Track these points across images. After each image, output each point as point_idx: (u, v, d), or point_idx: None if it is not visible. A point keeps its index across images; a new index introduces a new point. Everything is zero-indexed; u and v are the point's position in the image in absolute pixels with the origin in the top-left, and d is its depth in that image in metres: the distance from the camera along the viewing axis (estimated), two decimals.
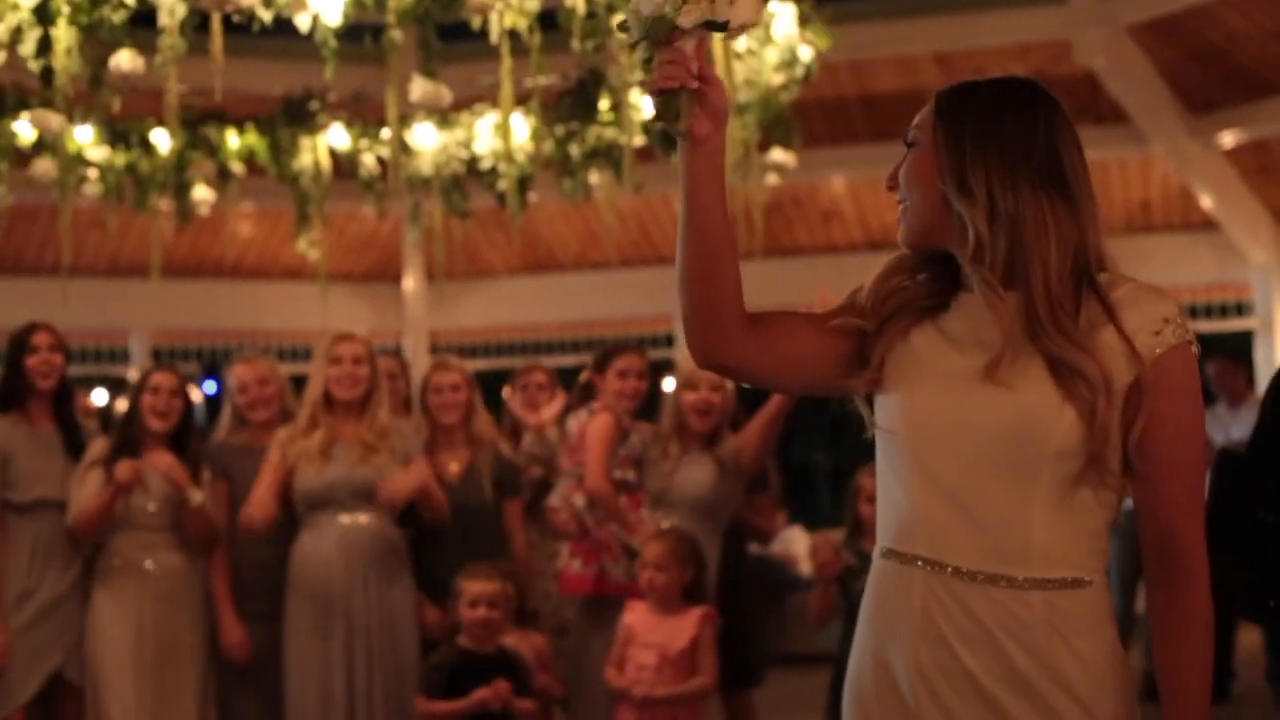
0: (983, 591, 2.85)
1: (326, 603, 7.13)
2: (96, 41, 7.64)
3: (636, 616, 6.75)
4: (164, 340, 16.51)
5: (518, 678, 6.64)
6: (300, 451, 7.21)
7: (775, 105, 9.55)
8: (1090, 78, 13.63)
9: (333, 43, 7.73)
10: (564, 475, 7.59)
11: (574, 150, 10.40)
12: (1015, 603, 2.85)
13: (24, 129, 9.64)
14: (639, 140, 9.74)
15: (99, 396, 14.03)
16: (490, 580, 6.74)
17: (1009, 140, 2.98)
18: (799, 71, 9.30)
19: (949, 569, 2.87)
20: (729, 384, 7.44)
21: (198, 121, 10.38)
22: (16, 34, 7.61)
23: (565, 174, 10.75)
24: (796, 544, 12.88)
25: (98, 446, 7.25)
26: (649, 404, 7.84)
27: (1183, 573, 2.93)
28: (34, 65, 7.70)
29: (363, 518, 7.22)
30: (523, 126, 9.97)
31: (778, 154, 10.45)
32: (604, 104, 10.12)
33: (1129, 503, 2.98)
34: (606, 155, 10.43)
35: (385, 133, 10.37)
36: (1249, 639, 10.43)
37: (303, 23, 7.73)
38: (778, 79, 9.26)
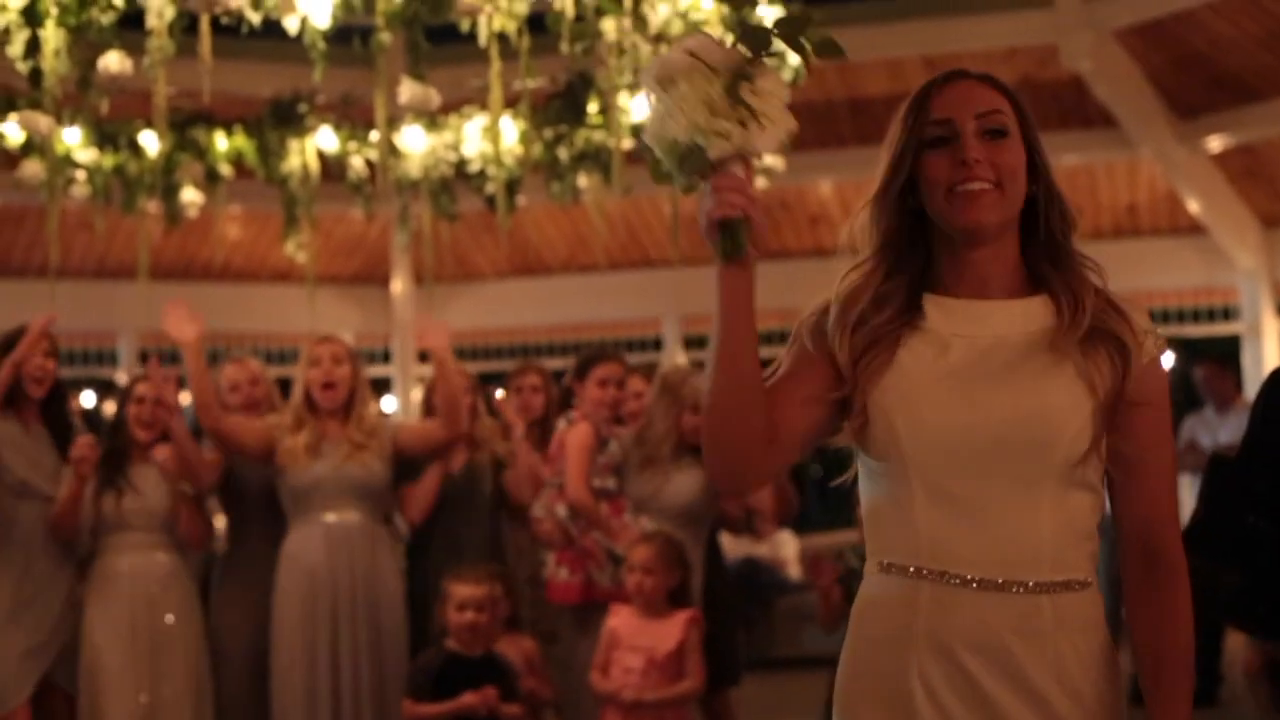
0: (994, 599, 2.85)
1: (313, 600, 7.15)
2: (85, 43, 7.64)
3: (621, 620, 6.75)
4: (151, 342, 16.43)
5: (505, 682, 6.64)
6: (288, 449, 7.22)
7: None
8: (1077, 82, 13.64)
9: (321, 45, 7.73)
10: (545, 484, 7.60)
11: (562, 153, 10.40)
12: (1026, 607, 2.85)
13: (12, 130, 9.62)
14: (627, 143, 9.74)
15: (86, 399, 14.02)
16: (479, 584, 6.74)
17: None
18: (787, 75, 9.29)
19: (958, 579, 2.86)
20: None
21: (186, 123, 10.37)
22: (4, 35, 7.60)
23: (554, 177, 10.75)
24: (786, 548, 12.89)
25: (79, 445, 7.24)
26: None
27: (1167, 571, 2.98)
28: (22, 66, 7.69)
29: (350, 515, 7.24)
30: (511, 129, 9.97)
31: (767, 157, 10.44)
32: (592, 107, 10.13)
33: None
34: (595, 158, 10.44)
35: (374, 135, 10.37)
36: (1236, 643, 10.45)
37: (291, 25, 7.72)
38: None
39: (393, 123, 9.54)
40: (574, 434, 7.46)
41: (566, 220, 16.00)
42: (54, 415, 7.39)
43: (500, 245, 15.70)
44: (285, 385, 8.02)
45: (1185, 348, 14.82)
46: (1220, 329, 15.50)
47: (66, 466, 7.14)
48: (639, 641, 6.65)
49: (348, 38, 8.50)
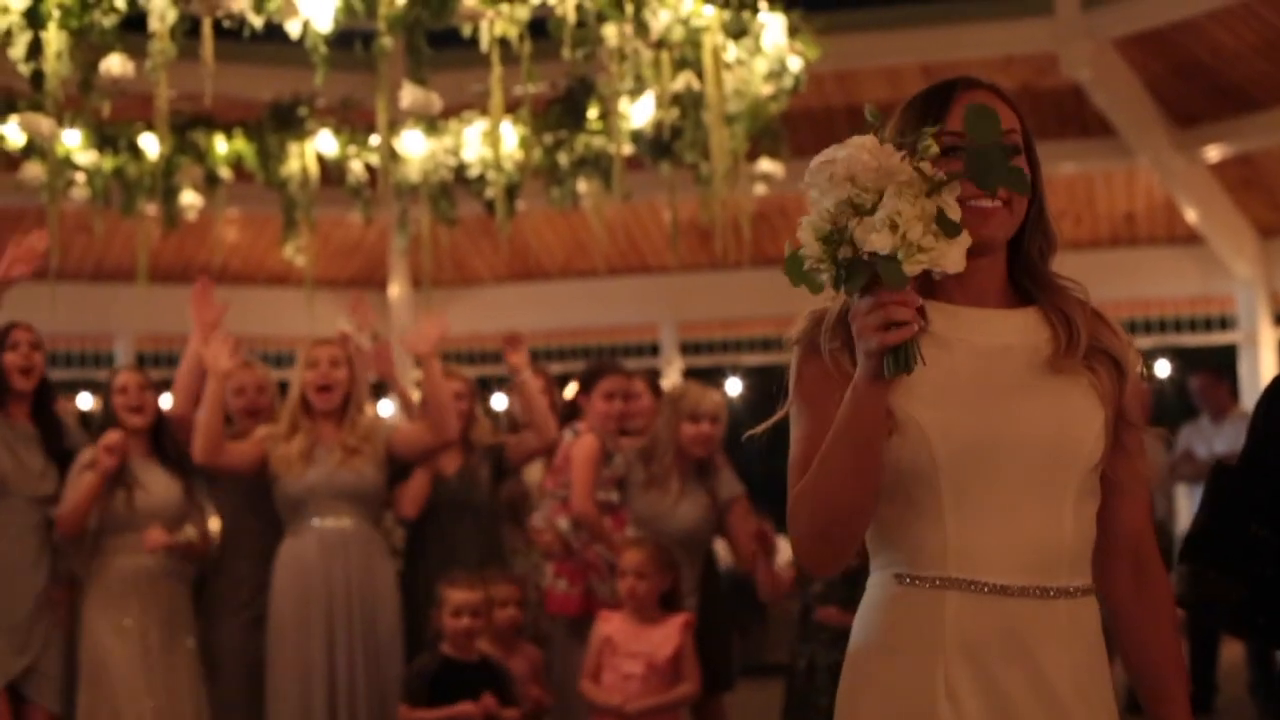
0: (1021, 605, 2.86)
1: (307, 606, 7.14)
2: (87, 45, 7.64)
3: (614, 627, 6.74)
4: (149, 345, 16.46)
5: (501, 688, 6.65)
6: (281, 457, 7.22)
7: (764, 115, 9.56)
8: (1076, 90, 13.67)
9: (323, 49, 7.73)
10: (548, 496, 7.61)
11: (562, 158, 10.41)
12: (1048, 612, 2.88)
13: (13, 133, 9.62)
14: (628, 149, 9.75)
15: (84, 400, 13.99)
16: (473, 589, 6.74)
17: None
18: (788, 82, 9.31)
19: (986, 587, 2.86)
20: (724, 414, 7.44)
21: (186, 126, 10.38)
22: (7, 37, 7.60)
23: (553, 182, 10.76)
24: (782, 554, 12.87)
25: (87, 455, 7.22)
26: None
27: (1154, 575, 3.08)
28: (24, 69, 7.70)
29: (344, 521, 7.23)
30: (511, 134, 9.98)
31: (766, 164, 10.47)
32: (593, 112, 10.14)
33: None
34: (595, 164, 10.45)
35: (373, 139, 10.37)
36: (1231, 652, 10.47)
37: (293, 29, 7.73)
38: (767, 89, 9.27)
39: (393, 127, 9.54)
40: (580, 447, 7.47)
41: (565, 225, 16.01)
42: (44, 414, 7.36)
43: (499, 250, 15.72)
44: (283, 388, 8.03)
45: (1181, 357, 14.83)
46: (1217, 338, 15.51)
47: (75, 463, 7.13)
48: (636, 648, 6.65)
49: (349, 42, 8.52)
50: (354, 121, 10.79)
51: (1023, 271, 2.99)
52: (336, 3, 7.66)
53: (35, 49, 7.56)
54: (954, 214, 2.63)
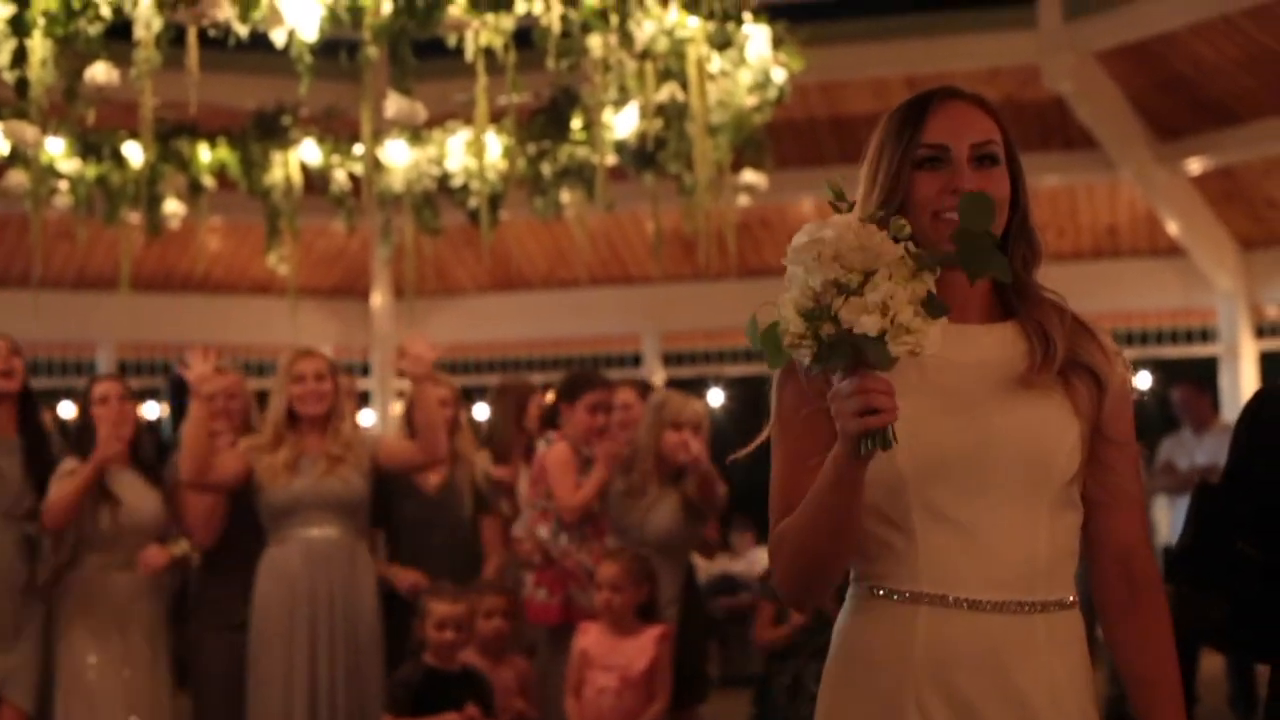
0: (993, 620, 2.86)
1: (291, 616, 7.12)
2: (72, 53, 7.63)
3: (592, 639, 6.74)
4: (130, 354, 16.45)
5: (483, 698, 6.65)
6: (267, 467, 7.20)
7: (748, 126, 9.58)
8: (1059, 103, 13.71)
9: (308, 58, 7.74)
10: (526, 506, 7.60)
11: (546, 168, 10.41)
12: (1023, 626, 2.88)
13: None
14: (611, 159, 9.76)
15: (65, 409, 13.97)
16: (457, 601, 6.74)
17: None
18: (772, 93, 9.32)
19: (959, 602, 2.86)
20: (707, 422, 7.45)
21: (170, 135, 10.37)
22: None
23: (537, 192, 10.76)
24: (762, 564, 12.87)
25: (69, 464, 7.20)
26: None
27: (1150, 594, 3.04)
28: (9, 76, 7.69)
29: (329, 531, 7.22)
30: (495, 144, 9.98)
31: (749, 175, 10.47)
32: (576, 123, 10.15)
33: None
34: (578, 174, 10.45)
35: (357, 148, 10.37)
36: (1210, 664, 10.48)
37: (279, 38, 7.73)
38: (751, 100, 9.29)
39: (377, 136, 9.55)
40: (553, 455, 7.47)
41: (547, 235, 16.01)
42: (29, 426, 7.34)
43: (481, 260, 15.71)
44: (263, 397, 8.02)
45: (1163, 369, 14.86)
46: (1198, 350, 15.54)
47: (56, 471, 7.11)
48: (612, 661, 6.66)
49: (334, 51, 8.51)
50: (337, 131, 10.78)
51: (1002, 283, 2.96)
52: (322, 12, 7.67)
53: (20, 56, 7.55)
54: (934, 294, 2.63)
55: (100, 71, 7.67)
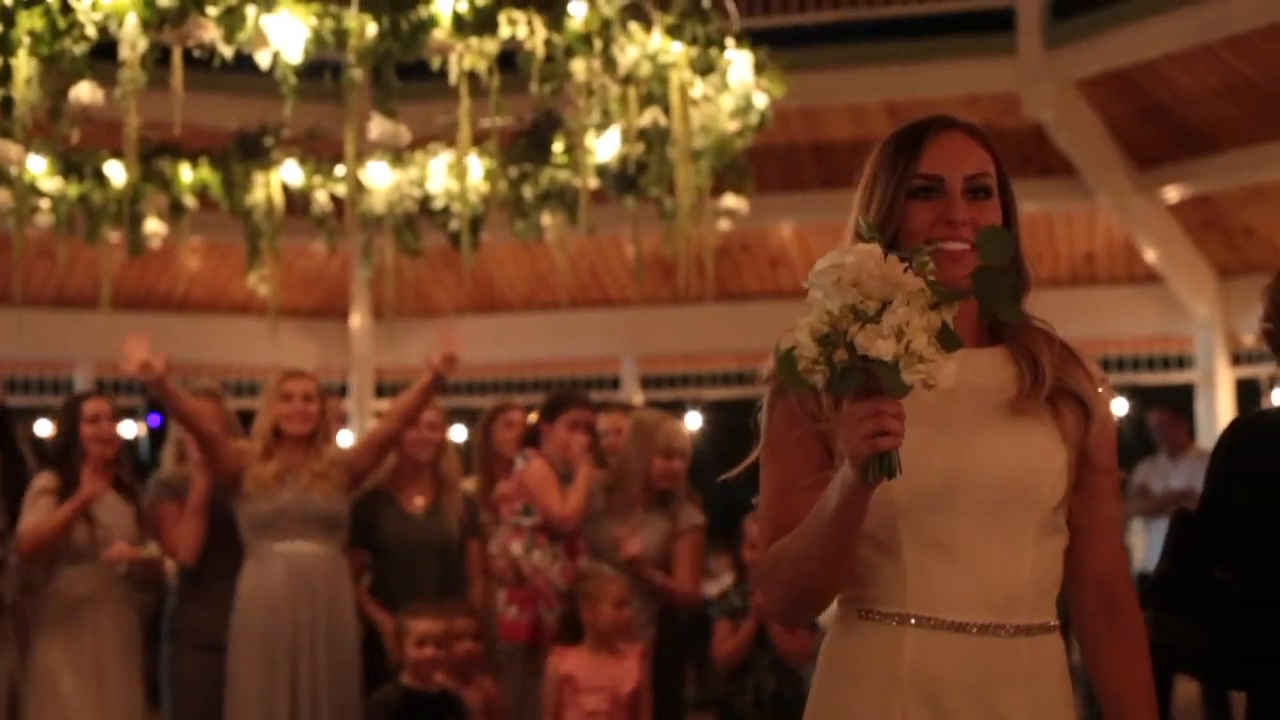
0: (979, 643, 2.88)
1: (272, 632, 7.13)
2: (57, 72, 7.63)
3: (574, 664, 6.73)
4: (109, 372, 16.39)
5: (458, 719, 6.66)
6: (256, 476, 7.22)
7: (729, 151, 9.61)
8: (1038, 130, 13.75)
9: (292, 80, 7.75)
10: (501, 524, 7.60)
11: (527, 191, 10.42)
12: (1008, 650, 2.89)
13: None
14: (593, 183, 9.78)
15: (41, 427, 13.94)
16: (437, 619, 6.75)
17: None
18: (753, 118, 9.35)
19: (945, 624, 2.88)
20: (690, 448, 7.49)
21: (152, 154, 10.36)
22: None
23: (518, 215, 10.77)
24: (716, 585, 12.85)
25: (44, 479, 7.21)
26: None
27: (1128, 619, 3.08)
28: None
29: (311, 546, 7.23)
30: (477, 167, 9.99)
31: (730, 200, 10.49)
32: (558, 146, 10.16)
33: None
34: (560, 197, 10.47)
35: (339, 170, 10.37)
36: (1186, 690, 10.51)
37: (263, 59, 7.74)
38: (732, 125, 9.32)
39: (359, 158, 9.55)
40: (531, 470, 7.48)
41: (527, 258, 16.01)
42: (5, 445, 7.34)
43: (461, 282, 15.72)
44: (243, 417, 8.03)
45: (1139, 395, 14.90)
46: (1175, 377, 15.59)
47: (30, 488, 7.11)
48: (599, 682, 6.66)
49: (317, 73, 8.52)
50: (319, 152, 10.78)
51: (1015, 321, 2.97)
52: (307, 34, 7.68)
53: (4, 75, 7.55)
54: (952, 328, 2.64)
55: (85, 91, 7.67)
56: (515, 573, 7.40)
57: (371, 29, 7.81)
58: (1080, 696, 3.15)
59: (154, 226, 11.02)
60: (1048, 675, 2.95)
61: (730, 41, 8.93)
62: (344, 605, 7.30)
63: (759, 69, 9.20)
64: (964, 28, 14.05)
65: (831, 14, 14.25)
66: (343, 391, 16.80)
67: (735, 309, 15.98)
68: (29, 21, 7.38)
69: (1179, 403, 13.29)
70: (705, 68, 8.79)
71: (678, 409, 15.83)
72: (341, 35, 7.80)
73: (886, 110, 13.87)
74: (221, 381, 11.34)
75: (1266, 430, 4.35)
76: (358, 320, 16.78)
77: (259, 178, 10.61)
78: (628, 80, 8.60)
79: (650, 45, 8.47)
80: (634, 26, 8.41)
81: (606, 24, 8.19)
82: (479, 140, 9.37)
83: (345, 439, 12.47)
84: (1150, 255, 14.94)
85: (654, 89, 8.79)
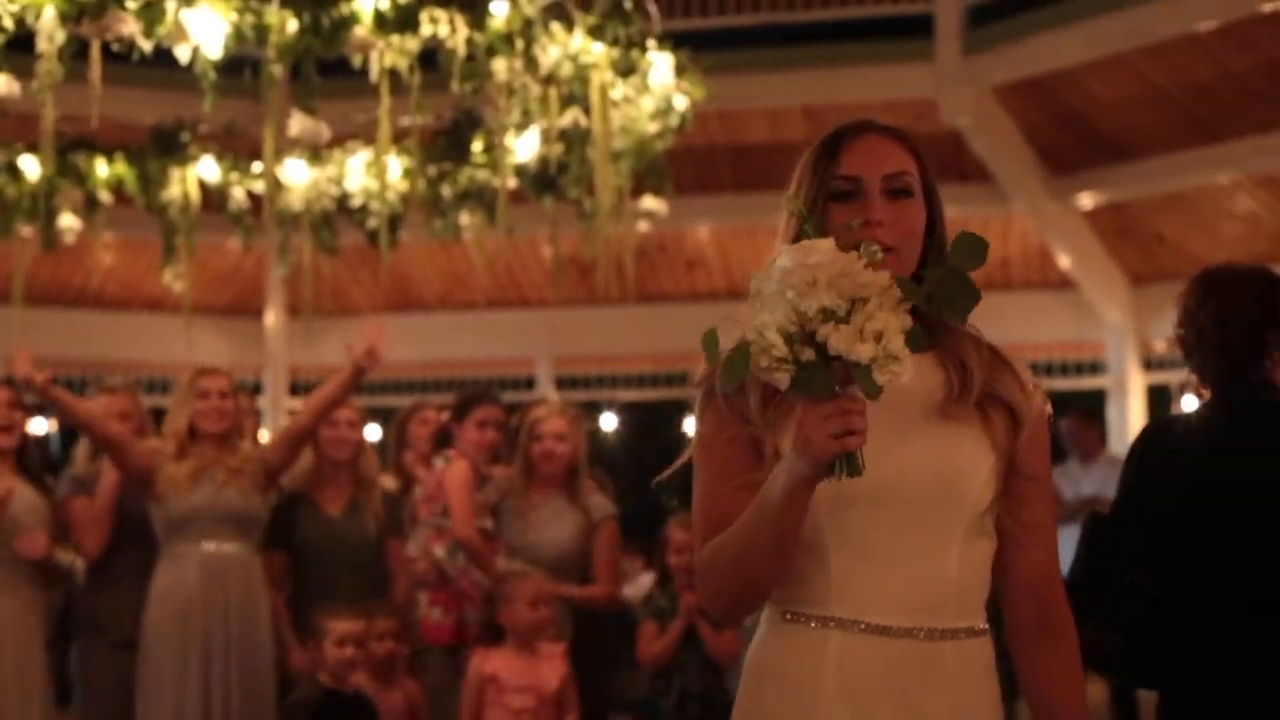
0: (903, 646, 2.88)
1: (185, 632, 7.07)
2: None
3: (498, 664, 6.71)
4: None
5: None
6: (169, 476, 7.16)
7: (649, 153, 9.62)
8: (955, 136, 13.83)
9: (212, 75, 7.70)
10: (421, 524, 7.58)
11: (446, 190, 10.40)
12: (932, 653, 2.90)
13: None
14: (512, 182, 9.77)
15: None
16: (356, 619, 6.73)
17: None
18: (674, 120, 9.37)
19: (869, 627, 2.88)
20: (571, 432, 7.42)
21: (67, 149, 10.26)
22: None
23: (436, 214, 10.74)
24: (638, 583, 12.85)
25: None
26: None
27: (1059, 623, 3.09)
28: None
29: (226, 546, 7.18)
30: (395, 165, 9.96)
31: (649, 201, 10.49)
32: (477, 145, 10.14)
33: None
34: (478, 197, 10.45)
35: (256, 166, 10.32)
36: (1092, 690, 10.60)
37: (183, 54, 7.69)
38: (653, 127, 9.33)
39: (277, 155, 9.50)
40: (453, 472, 7.46)
41: (444, 257, 15.99)
42: None
43: (377, 280, 15.68)
44: (156, 414, 7.98)
45: (1052, 400, 14.97)
46: (1087, 383, 15.71)
47: None
48: (524, 681, 6.65)
49: (237, 68, 8.47)
50: (236, 148, 10.72)
51: (923, 312, 2.91)
52: (227, 29, 7.64)
53: None
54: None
55: (1, 83, 7.60)
56: (438, 574, 7.38)
57: (293, 25, 7.77)
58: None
59: (68, 221, 10.92)
60: (972, 679, 2.95)
61: (651, 43, 8.94)
62: (258, 605, 7.25)
63: (680, 71, 9.22)
64: (883, 33, 14.10)
65: (750, 17, 14.29)
66: (257, 390, 16.70)
67: (651, 310, 16.01)
68: None
69: (1091, 408, 13.38)
70: (626, 69, 8.80)
71: (593, 410, 15.85)
72: (262, 31, 7.76)
73: (804, 114, 13.93)
74: (135, 379, 11.28)
75: (1177, 437, 4.41)
76: (273, 318, 16.69)
77: (175, 174, 10.52)
78: (549, 80, 8.61)
79: (572, 46, 8.48)
80: (556, 27, 8.42)
81: (528, 24, 8.19)
82: (398, 138, 9.34)
83: (264, 437, 12.41)
84: (1064, 261, 15.06)
85: (575, 89, 8.80)
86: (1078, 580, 4.16)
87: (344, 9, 7.76)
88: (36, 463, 7.46)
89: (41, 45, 7.34)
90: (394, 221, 10.28)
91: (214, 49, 7.67)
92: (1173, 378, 14.80)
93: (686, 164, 13.20)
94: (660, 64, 9.02)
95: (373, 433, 12.44)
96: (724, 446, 2.95)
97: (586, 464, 7.70)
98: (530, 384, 16.79)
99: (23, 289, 11.68)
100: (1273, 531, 4.08)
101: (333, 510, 7.63)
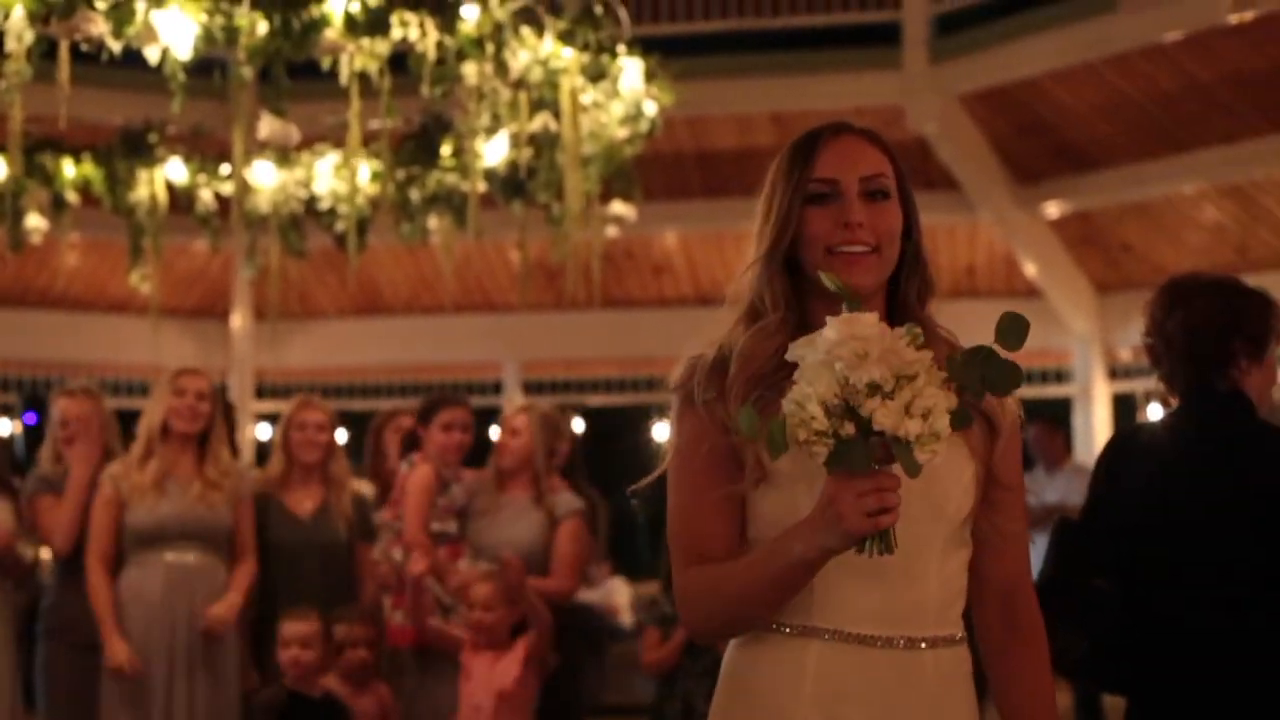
0: (883, 655, 2.87)
1: (148, 640, 7.05)
2: None
3: (469, 659, 6.74)
4: None
5: None
6: (133, 486, 7.13)
7: (618, 158, 9.62)
8: (922, 143, 13.87)
9: (181, 76, 7.67)
10: (383, 528, 7.57)
11: (414, 194, 10.38)
12: (911, 662, 2.89)
13: None
14: (481, 186, 9.76)
15: None
16: (305, 621, 6.70)
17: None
18: (643, 126, 9.37)
19: (849, 637, 2.87)
20: (529, 428, 7.41)
21: (34, 149, 10.22)
22: None
23: (404, 218, 10.72)
24: (619, 594, 12.86)
25: None
26: (479, 451, 7.84)
27: (1029, 628, 3.10)
28: None
29: (192, 556, 7.15)
30: (364, 168, 9.94)
31: (618, 206, 10.49)
32: (446, 149, 10.12)
33: None
34: (447, 200, 10.43)
35: (224, 168, 10.29)
36: (1058, 700, 10.64)
37: (152, 55, 7.67)
38: (622, 132, 9.34)
39: (245, 157, 9.48)
40: (414, 477, 7.45)
41: (411, 261, 15.98)
42: None
43: (343, 284, 15.66)
44: (122, 417, 7.95)
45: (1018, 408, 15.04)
46: (1053, 391, 15.75)
47: None
48: (480, 676, 6.66)
49: (207, 70, 8.45)
50: (204, 150, 10.69)
51: (900, 317, 2.95)
52: (197, 31, 7.61)
53: None
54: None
55: None
56: (398, 578, 7.37)
57: (263, 27, 7.74)
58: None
59: (35, 222, 10.87)
60: (952, 687, 2.95)
61: (622, 48, 8.95)
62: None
63: (649, 76, 9.22)
64: (850, 41, 14.18)
65: (719, 24, 14.33)
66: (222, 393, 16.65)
67: (618, 316, 16.03)
68: None
69: (1056, 417, 13.43)
70: (596, 74, 8.80)
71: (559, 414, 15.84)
72: (232, 32, 7.74)
73: (772, 121, 13.97)
74: (99, 380, 11.24)
75: (1145, 445, 4.45)
76: (238, 321, 16.66)
77: (143, 175, 10.49)
78: (519, 85, 8.60)
79: (542, 50, 8.48)
80: (526, 31, 8.41)
81: (499, 28, 8.19)
82: (367, 141, 9.33)
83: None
84: (1030, 269, 15.12)
85: (545, 94, 8.80)
86: (1046, 586, 4.17)
87: (314, 11, 7.73)
88: (3, 465, 7.44)
89: (10, 45, 7.32)
90: (362, 225, 10.25)
91: (184, 50, 7.64)
92: (1138, 386, 14.88)
93: (654, 170, 13.20)
94: (630, 69, 9.03)
95: (339, 436, 12.42)
96: (703, 457, 2.92)
97: (575, 467, 7.72)
98: (497, 388, 16.78)
99: None
100: (1239, 538, 4.11)
101: (302, 512, 7.61)
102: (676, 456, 2.99)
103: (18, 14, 7.22)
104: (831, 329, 2.61)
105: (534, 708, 6.79)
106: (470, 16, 8.08)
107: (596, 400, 16.60)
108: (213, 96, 9.08)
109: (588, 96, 8.88)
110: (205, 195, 10.66)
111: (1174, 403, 4.40)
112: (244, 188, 9.83)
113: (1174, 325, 4.32)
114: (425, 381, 16.09)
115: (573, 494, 7.48)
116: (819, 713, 2.87)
